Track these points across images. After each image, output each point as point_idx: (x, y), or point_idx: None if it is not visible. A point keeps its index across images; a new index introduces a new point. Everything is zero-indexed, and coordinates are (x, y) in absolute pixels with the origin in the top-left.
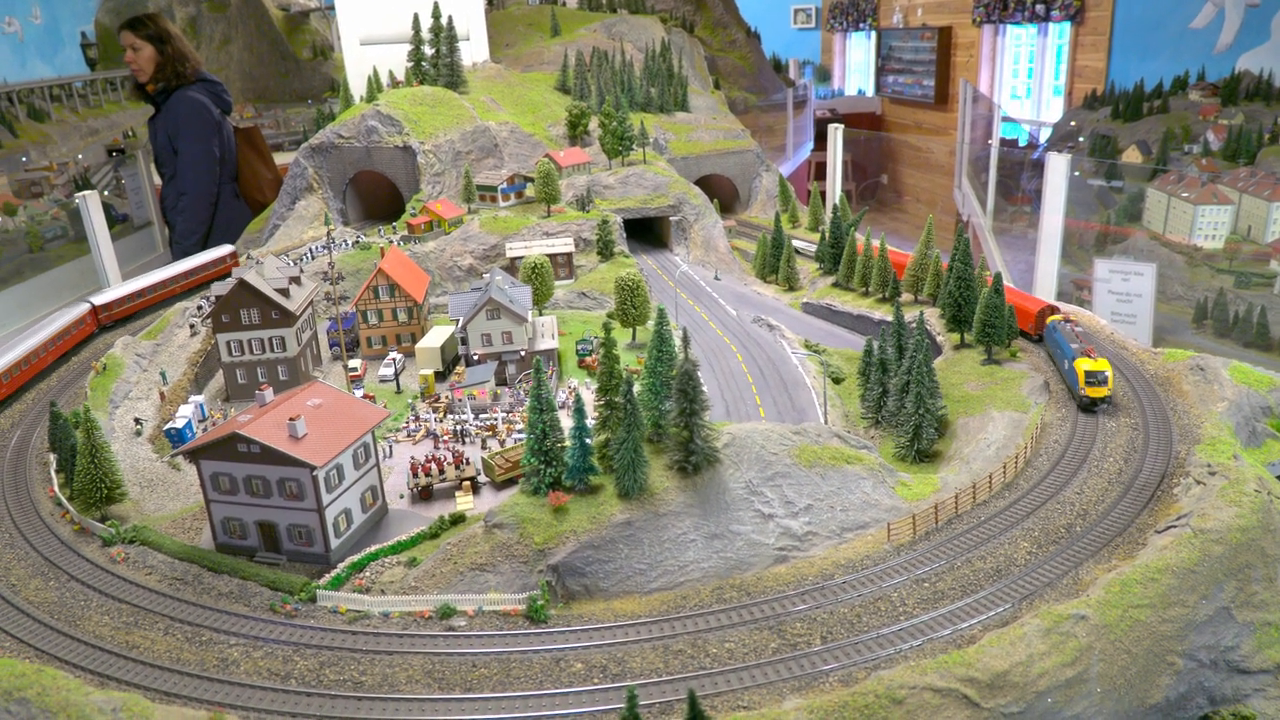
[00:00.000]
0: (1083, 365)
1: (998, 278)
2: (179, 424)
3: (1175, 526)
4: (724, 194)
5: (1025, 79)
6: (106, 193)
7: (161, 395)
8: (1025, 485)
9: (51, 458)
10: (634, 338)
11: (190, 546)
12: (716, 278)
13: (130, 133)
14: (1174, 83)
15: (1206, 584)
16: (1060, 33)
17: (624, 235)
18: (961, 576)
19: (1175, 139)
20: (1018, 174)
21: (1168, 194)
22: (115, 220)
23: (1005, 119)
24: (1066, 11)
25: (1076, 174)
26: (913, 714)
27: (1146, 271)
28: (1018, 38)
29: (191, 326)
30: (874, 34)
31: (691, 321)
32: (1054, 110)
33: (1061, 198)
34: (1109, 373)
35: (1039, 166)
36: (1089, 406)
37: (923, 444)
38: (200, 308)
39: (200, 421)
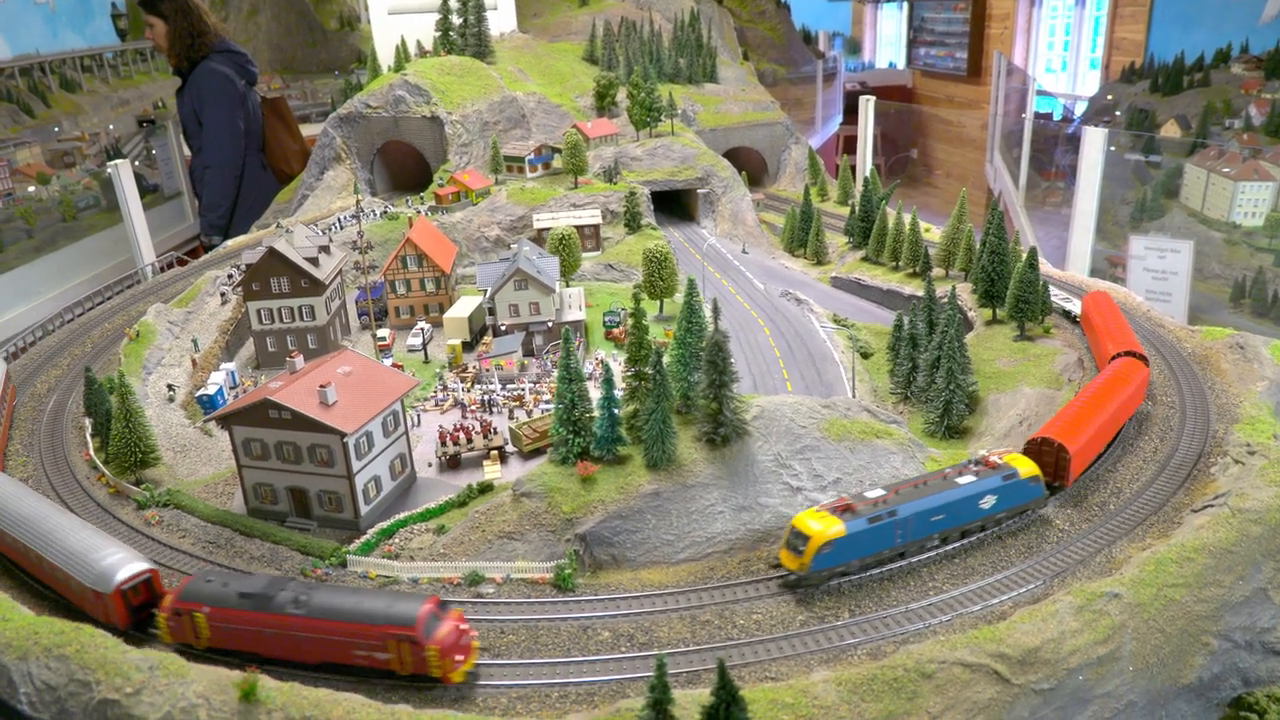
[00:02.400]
0: (800, 519)
1: (1032, 252)
2: (211, 390)
3: (1213, 506)
4: (752, 167)
5: (1061, 52)
6: (137, 163)
7: (193, 362)
8: None
9: (87, 422)
10: (661, 310)
11: (223, 511)
12: (744, 251)
13: (160, 103)
14: (1216, 55)
15: (1244, 564)
16: (1098, 4)
17: (651, 207)
18: (992, 552)
19: (1216, 113)
20: (1052, 149)
21: (1207, 170)
22: (146, 190)
23: (1040, 93)
24: None
25: (1112, 149)
26: (942, 688)
27: (1183, 249)
28: (1054, 9)
29: (222, 295)
30: (906, 5)
31: (718, 295)
32: (1090, 84)
33: (1097, 173)
34: (820, 541)
35: (1074, 141)
36: (787, 581)
37: (953, 420)
38: (231, 276)
39: (231, 388)
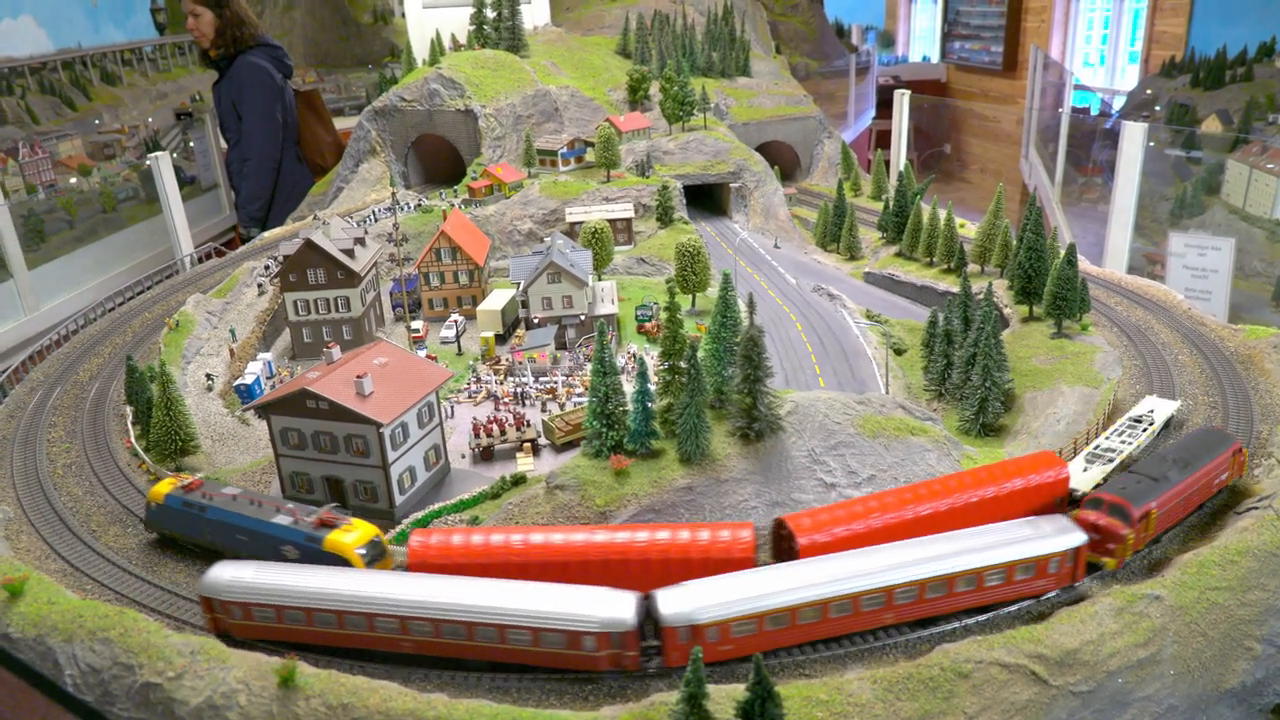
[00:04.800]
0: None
1: (1071, 249)
2: (248, 380)
3: (1256, 508)
4: (785, 161)
5: (1099, 45)
6: (175, 155)
7: (231, 352)
8: None
9: (128, 410)
10: (694, 304)
11: None
12: (776, 246)
13: (197, 96)
14: (1259, 49)
15: None
16: None
17: (684, 201)
18: None
19: (1259, 108)
20: (1089, 144)
21: (1250, 165)
22: (184, 182)
23: (1077, 87)
24: None
25: (1151, 144)
26: (979, 688)
27: (1224, 246)
28: (1092, 2)
29: (259, 286)
30: None
31: (751, 289)
32: (1129, 78)
33: (1136, 169)
34: (150, 496)
35: (1112, 136)
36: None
37: (988, 418)
38: (268, 267)
39: (268, 378)
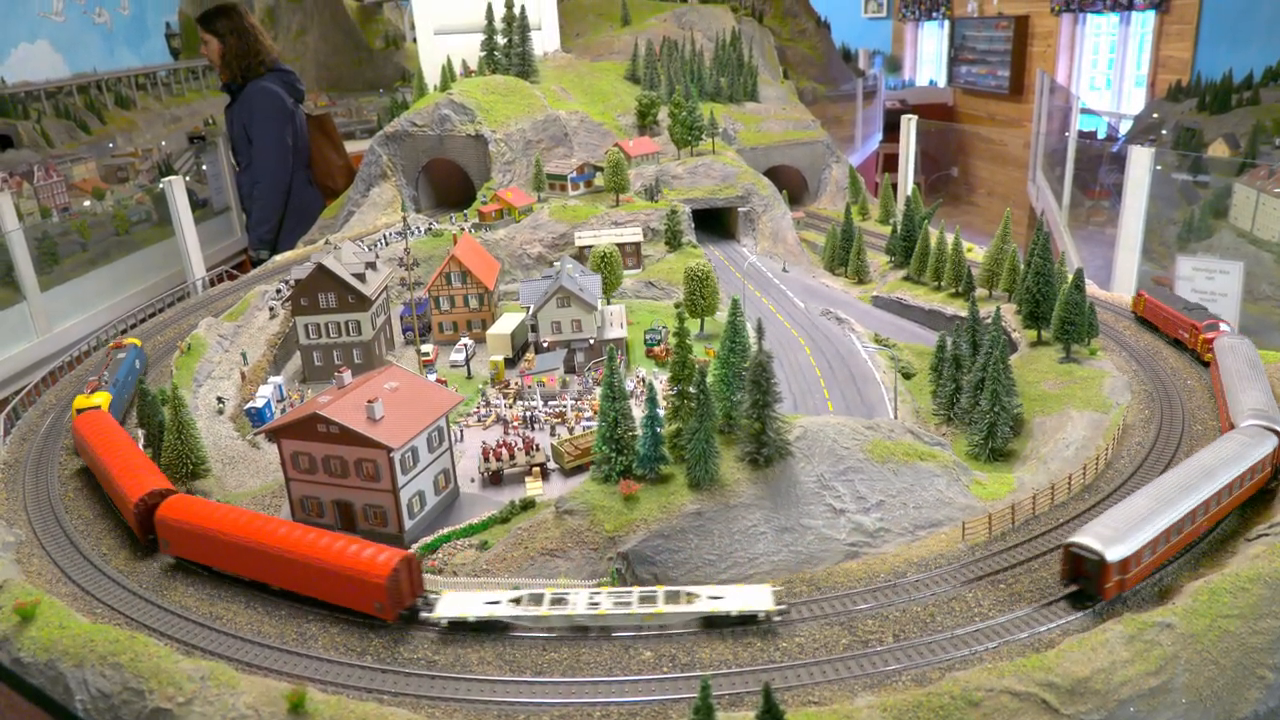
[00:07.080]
0: None
1: (1079, 273)
2: (259, 404)
3: (1269, 535)
4: (793, 185)
5: (1105, 70)
6: (188, 178)
7: (242, 375)
8: (1106, 488)
9: (140, 433)
10: (702, 328)
11: None
12: (785, 269)
13: (210, 120)
14: (1266, 73)
15: None
16: (1144, 22)
17: (692, 225)
18: (1039, 579)
19: (1266, 132)
20: (1096, 167)
21: (1257, 190)
22: (196, 205)
23: (1084, 111)
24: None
25: (1158, 168)
26: (989, 717)
27: (1232, 270)
28: (1098, 27)
29: (271, 309)
30: (947, 23)
31: (759, 313)
32: (1135, 102)
33: (1143, 192)
34: None
35: (1119, 160)
36: None
37: (997, 443)
38: (279, 291)
39: (279, 402)
